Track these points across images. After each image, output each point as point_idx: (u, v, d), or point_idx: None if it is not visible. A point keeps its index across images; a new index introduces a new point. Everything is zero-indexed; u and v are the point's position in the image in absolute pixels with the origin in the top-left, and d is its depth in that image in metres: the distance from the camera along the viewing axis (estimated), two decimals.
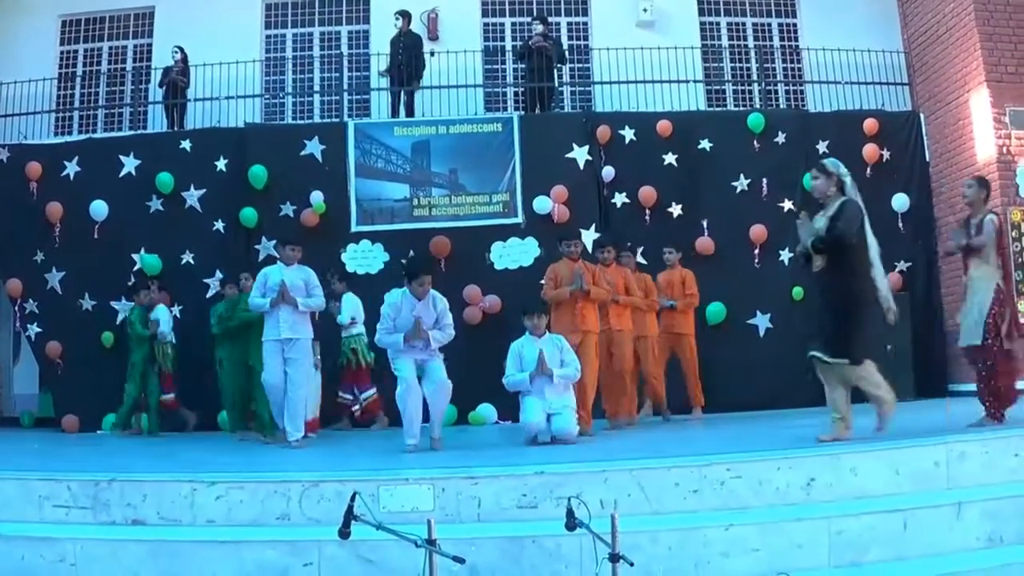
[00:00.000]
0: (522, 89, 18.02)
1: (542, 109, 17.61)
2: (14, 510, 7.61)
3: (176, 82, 17.73)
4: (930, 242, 17.03)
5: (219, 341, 13.63)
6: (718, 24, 19.70)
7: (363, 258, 16.22)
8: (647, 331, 13.48)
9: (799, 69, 19.27)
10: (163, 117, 18.05)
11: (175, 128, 17.59)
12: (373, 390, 14.51)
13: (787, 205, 16.53)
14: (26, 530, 7.20)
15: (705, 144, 16.82)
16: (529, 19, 18.64)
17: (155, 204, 16.38)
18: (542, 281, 12.26)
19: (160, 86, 17.90)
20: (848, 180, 9.22)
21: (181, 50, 17.70)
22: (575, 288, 11.58)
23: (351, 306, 14.53)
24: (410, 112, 17.56)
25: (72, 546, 6.85)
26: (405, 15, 17.78)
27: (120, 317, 15.60)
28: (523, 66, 18.02)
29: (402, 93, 17.58)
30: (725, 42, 19.63)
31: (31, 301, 16.18)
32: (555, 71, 18.01)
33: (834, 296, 9.11)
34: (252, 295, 11.61)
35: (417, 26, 18.22)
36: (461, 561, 4.77)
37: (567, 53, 18.77)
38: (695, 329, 14.62)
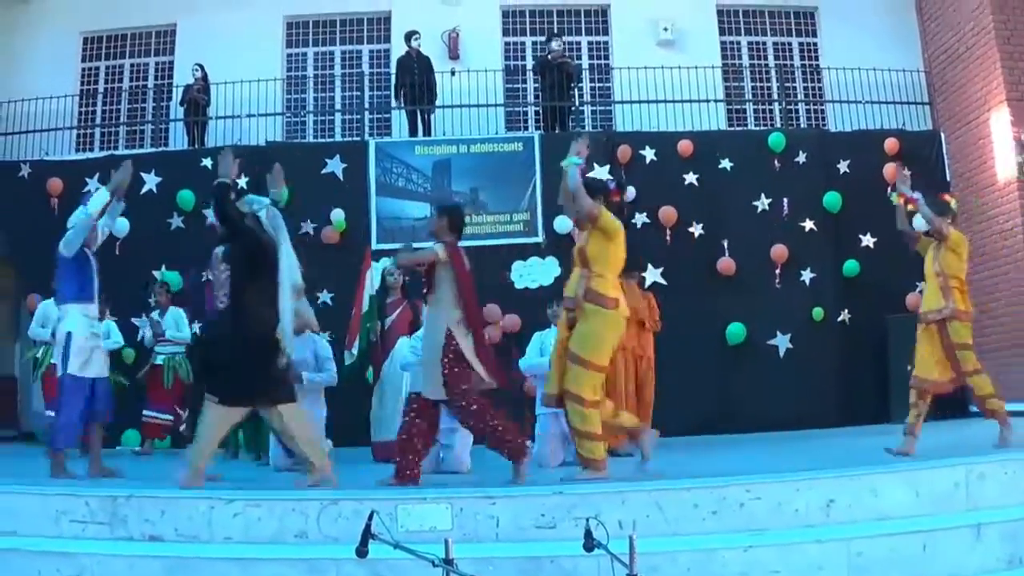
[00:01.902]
0: (540, 108, 17.99)
1: (561, 127, 17.60)
2: (32, 525, 7.62)
3: (196, 100, 17.79)
4: None
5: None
6: (738, 43, 19.73)
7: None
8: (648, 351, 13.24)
9: (819, 88, 19.28)
10: (183, 135, 18.11)
11: (196, 146, 17.64)
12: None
13: (808, 225, 16.52)
14: (43, 545, 7.20)
15: (726, 164, 16.80)
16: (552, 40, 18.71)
17: (176, 221, 16.45)
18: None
19: (181, 104, 17.97)
20: (261, 213, 8.95)
21: (201, 68, 17.79)
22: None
23: (178, 320, 14.29)
24: (427, 132, 17.57)
25: (89, 561, 6.85)
26: (411, 37, 17.85)
27: (140, 334, 15.59)
28: (539, 84, 18.03)
29: (418, 112, 17.61)
30: (746, 61, 19.66)
31: None
32: (574, 89, 18.04)
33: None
34: None
35: (439, 45, 18.26)
36: None
37: (585, 72, 18.82)
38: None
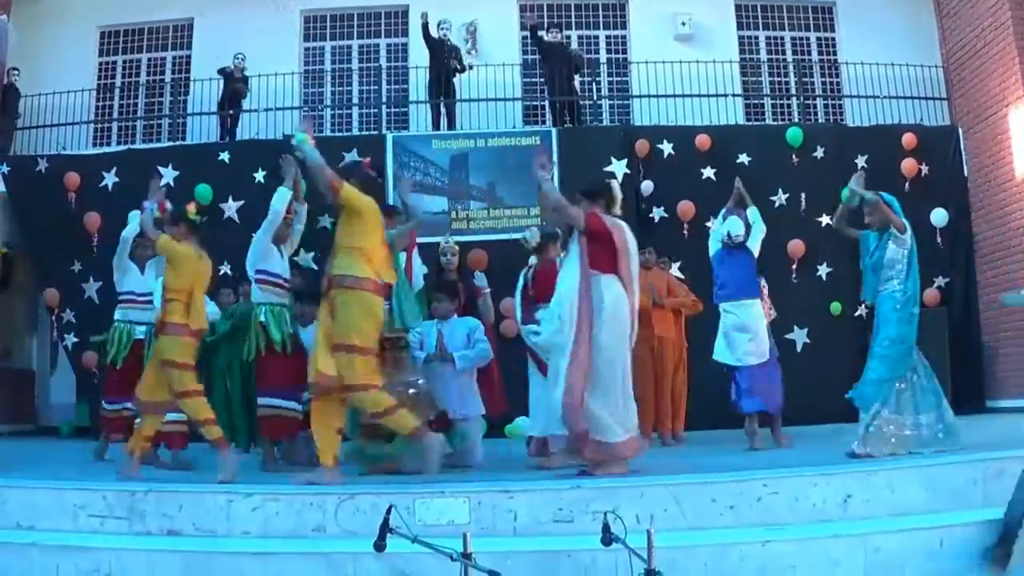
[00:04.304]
0: (558, 101, 17.95)
1: (572, 119, 17.60)
2: (50, 519, 7.64)
3: (239, 92, 17.84)
4: (969, 257, 16.94)
5: (221, 343, 11.56)
6: (756, 38, 19.71)
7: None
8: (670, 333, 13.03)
9: (837, 83, 19.26)
10: (198, 127, 18.17)
11: (227, 139, 17.71)
12: None
13: (825, 220, 16.48)
14: (62, 539, 7.22)
15: (744, 158, 16.76)
16: (568, 32, 18.69)
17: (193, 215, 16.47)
18: None
19: (221, 100, 17.95)
20: None
21: (244, 58, 17.79)
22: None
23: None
24: (451, 124, 17.58)
25: (107, 556, 6.86)
26: (439, 25, 17.85)
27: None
28: (539, 67, 18.08)
29: (441, 105, 17.62)
30: (764, 56, 19.64)
31: (68, 311, 16.30)
32: (591, 82, 18.06)
33: None
34: None
35: (457, 39, 18.28)
36: (496, 575, 4.77)
37: (603, 66, 18.84)
38: None
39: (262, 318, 9.91)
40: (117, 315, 11.58)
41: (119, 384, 11.28)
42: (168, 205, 9.81)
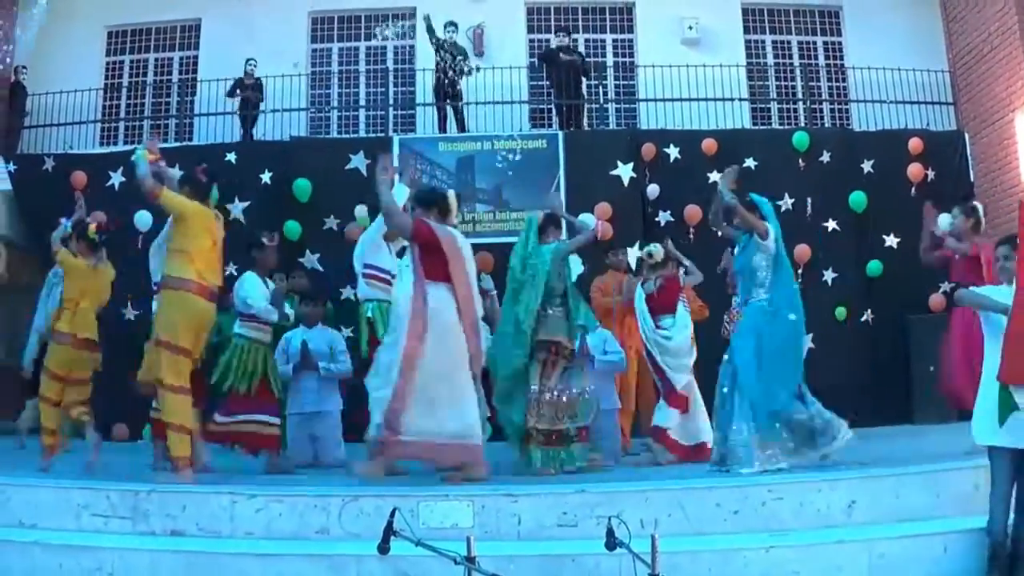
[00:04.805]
0: (563, 105, 17.92)
1: (575, 123, 17.61)
2: (53, 518, 7.66)
3: (249, 99, 17.85)
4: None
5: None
6: (763, 42, 19.70)
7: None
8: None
9: (844, 88, 19.25)
10: (205, 127, 18.20)
11: (249, 139, 17.78)
12: None
13: (832, 224, 16.48)
14: (65, 538, 7.24)
15: (750, 162, 16.71)
16: (575, 36, 18.70)
17: None
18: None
19: (229, 96, 17.95)
20: None
21: (255, 65, 17.81)
22: (623, 299, 11.60)
23: None
24: (461, 126, 17.58)
25: (111, 555, 6.89)
26: (446, 27, 17.82)
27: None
28: (545, 76, 18.05)
29: (448, 108, 17.61)
30: (770, 60, 19.63)
31: None
32: (597, 86, 18.07)
33: None
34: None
35: (464, 41, 18.27)
36: None
37: (609, 69, 18.86)
38: None
39: (369, 314, 10.07)
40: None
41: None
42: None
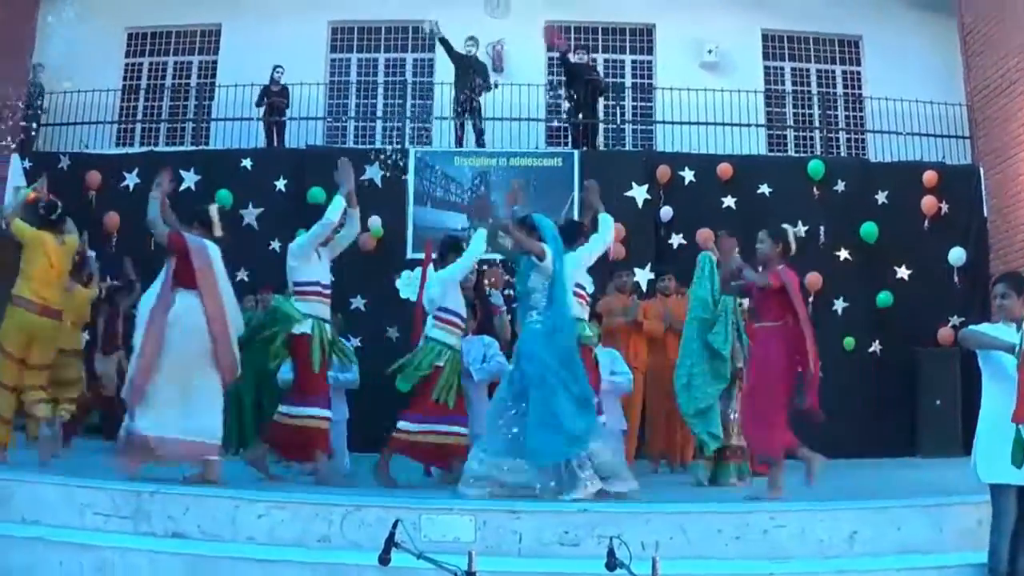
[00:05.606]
0: (581, 124, 17.93)
1: (591, 143, 17.64)
2: (55, 515, 7.69)
3: (275, 104, 17.91)
4: (985, 298, 16.90)
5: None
6: (782, 69, 19.71)
7: (416, 285, 16.18)
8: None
9: (861, 118, 19.23)
10: (222, 132, 18.22)
11: (276, 145, 17.97)
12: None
13: (843, 254, 16.47)
14: (67, 536, 7.25)
15: (764, 189, 16.73)
16: (595, 55, 18.72)
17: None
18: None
19: (257, 105, 18.02)
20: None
21: (283, 72, 17.89)
22: (628, 319, 11.61)
23: None
24: (479, 142, 17.61)
25: (112, 554, 6.90)
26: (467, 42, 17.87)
27: None
28: (566, 84, 17.99)
29: (467, 123, 17.63)
30: (788, 87, 19.64)
31: None
32: (614, 107, 18.09)
33: None
34: None
35: (483, 57, 18.28)
36: None
37: (628, 91, 18.89)
38: None
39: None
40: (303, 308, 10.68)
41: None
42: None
